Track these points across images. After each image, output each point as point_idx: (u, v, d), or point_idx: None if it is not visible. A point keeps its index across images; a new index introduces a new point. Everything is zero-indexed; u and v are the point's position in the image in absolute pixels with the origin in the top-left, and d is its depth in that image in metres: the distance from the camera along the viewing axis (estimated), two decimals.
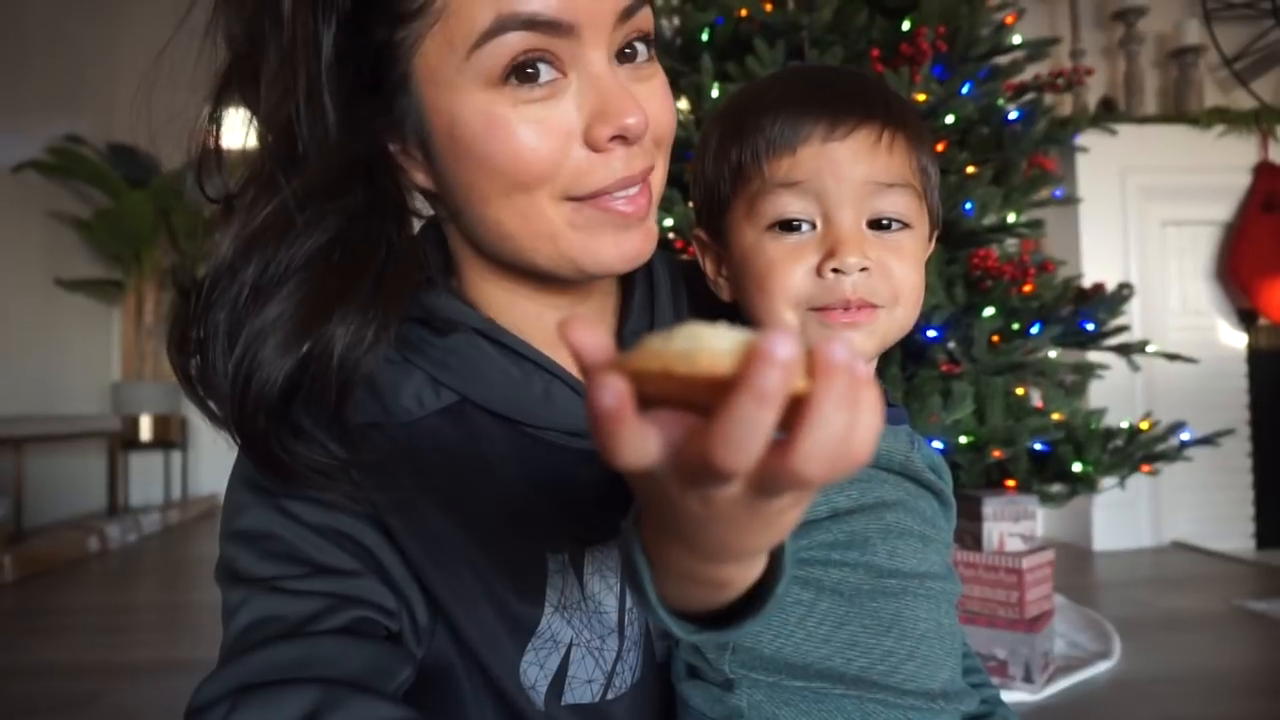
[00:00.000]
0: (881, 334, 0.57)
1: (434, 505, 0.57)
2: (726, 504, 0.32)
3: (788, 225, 0.56)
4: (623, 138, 0.53)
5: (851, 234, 0.55)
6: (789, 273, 0.56)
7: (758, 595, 0.42)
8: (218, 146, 0.57)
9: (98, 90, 4.28)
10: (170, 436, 4.32)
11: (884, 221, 0.57)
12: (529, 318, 0.61)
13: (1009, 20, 2.18)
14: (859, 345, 0.56)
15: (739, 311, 0.64)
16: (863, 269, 0.55)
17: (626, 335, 0.64)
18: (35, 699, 1.93)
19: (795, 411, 0.28)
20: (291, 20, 0.51)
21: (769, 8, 2.10)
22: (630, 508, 0.60)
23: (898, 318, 0.57)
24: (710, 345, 0.28)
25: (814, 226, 0.56)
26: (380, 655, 0.53)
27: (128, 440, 4.18)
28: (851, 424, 0.28)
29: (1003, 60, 2.20)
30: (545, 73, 0.51)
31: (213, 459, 4.45)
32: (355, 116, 0.53)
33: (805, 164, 0.56)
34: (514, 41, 0.50)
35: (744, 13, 2.11)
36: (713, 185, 0.60)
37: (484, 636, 0.57)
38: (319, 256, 0.53)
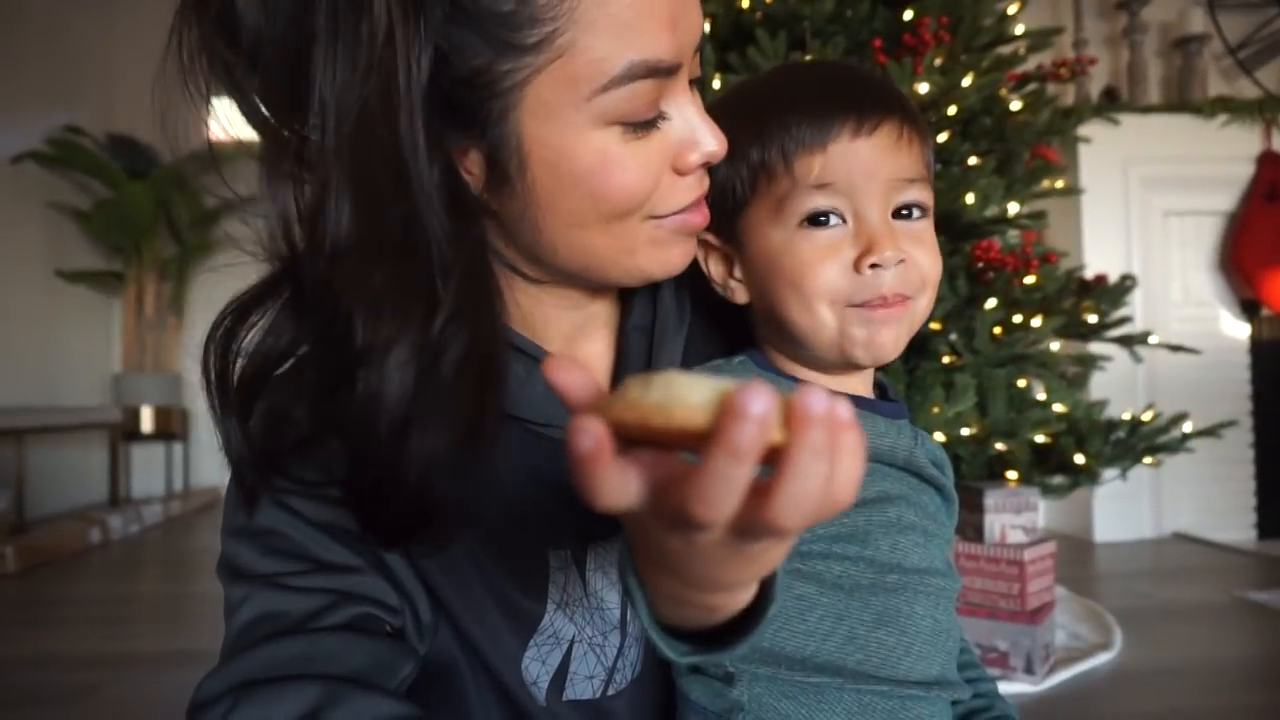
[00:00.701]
0: (911, 323, 0.59)
1: None
2: (708, 545, 0.33)
3: (817, 220, 0.57)
4: (707, 163, 0.56)
5: (884, 229, 0.56)
6: (825, 270, 0.56)
7: (751, 615, 0.42)
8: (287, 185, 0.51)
9: (96, 81, 4.27)
10: (172, 428, 4.33)
11: (904, 210, 0.58)
12: (549, 321, 0.62)
13: (1012, 9, 2.17)
14: (900, 337, 0.58)
15: (743, 312, 0.63)
16: (899, 262, 0.56)
17: (630, 330, 0.64)
18: (37, 690, 1.93)
19: (776, 455, 0.28)
20: (387, 42, 0.45)
21: None
22: None
23: (923, 305, 0.59)
24: (685, 398, 0.28)
25: (843, 220, 0.57)
26: (382, 652, 0.53)
27: (129, 431, 4.18)
28: (830, 474, 0.29)
29: (1006, 50, 2.19)
30: (651, 107, 0.53)
31: (214, 451, 4.40)
32: (445, 153, 0.50)
33: (835, 162, 0.56)
34: (644, 90, 0.50)
35: (745, 3, 2.10)
36: (724, 187, 0.60)
37: (486, 633, 0.57)
38: (476, 344, 0.50)
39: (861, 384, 0.62)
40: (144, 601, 2.79)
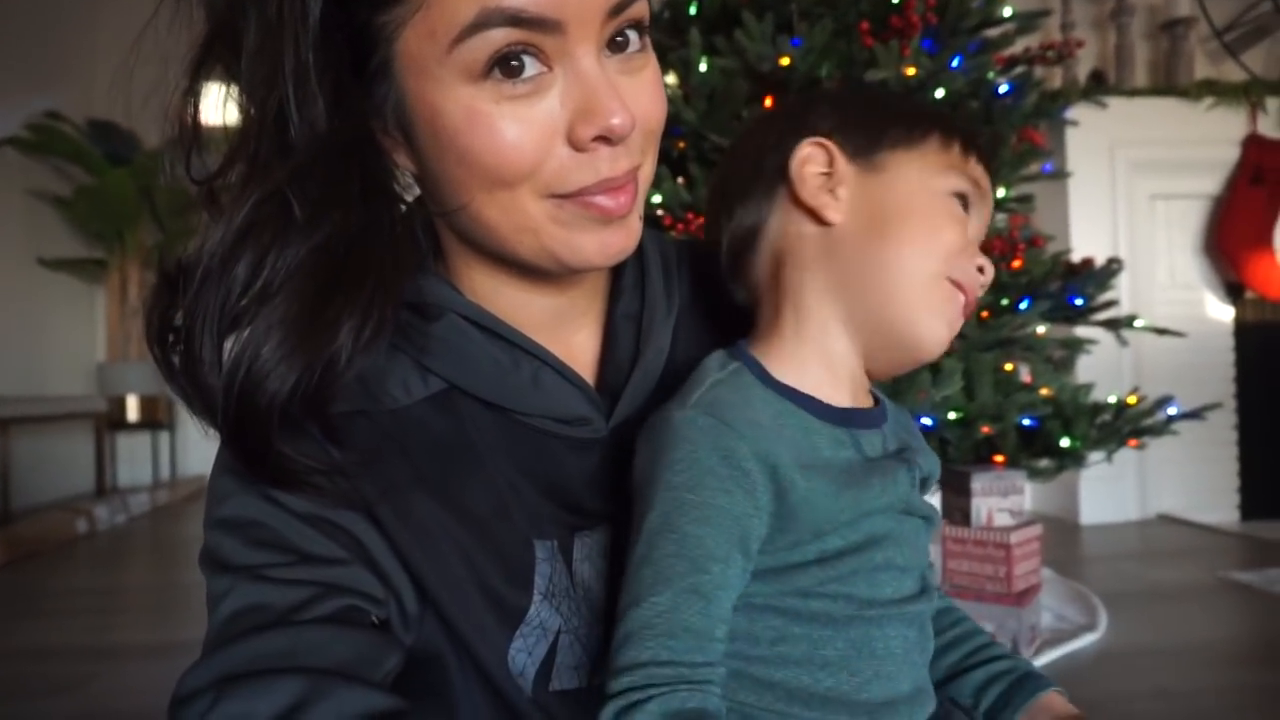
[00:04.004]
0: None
1: (422, 493, 0.56)
2: None
3: (959, 199, 0.58)
4: (606, 138, 0.51)
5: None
6: (958, 235, 0.57)
7: None
8: (196, 123, 0.54)
9: (77, 66, 4.22)
10: (158, 417, 4.30)
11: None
12: (516, 305, 0.60)
13: None
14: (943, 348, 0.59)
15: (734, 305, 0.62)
16: (983, 286, 0.59)
17: (618, 318, 0.63)
18: (26, 681, 1.93)
19: None
20: None
21: None
22: (617, 492, 0.60)
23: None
24: None
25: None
26: (367, 644, 0.53)
27: (115, 421, 4.16)
28: None
29: (993, 33, 2.18)
30: (530, 67, 0.50)
31: (201, 439, 4.37)
32: (342, 97, 0.52)
33: (987, 181, 0.60)
34: (497, 37, 0.48)
35: None
36: (881, 129, 0.58)
37: (472, 624, 0.56)
38: (320, 253, 0.51)
39: (865, 391, 0.60)
40: (132, 592, 2.78)
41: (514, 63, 0.49)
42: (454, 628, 0.56)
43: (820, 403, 0.56)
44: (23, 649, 2.16)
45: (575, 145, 0.51)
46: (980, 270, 0.58)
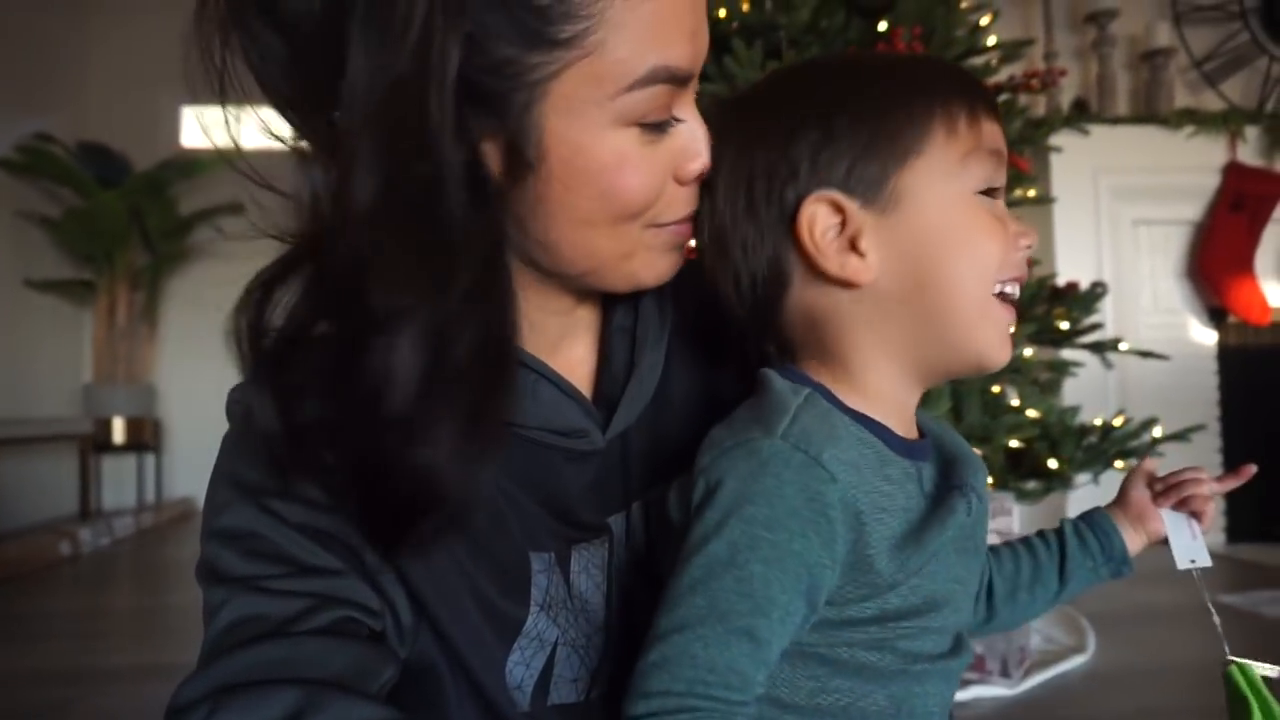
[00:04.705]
0: None
1: None
2: None
3: (989, 194, 0.54)
4: (701, 175, 0.57)
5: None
6: (998, 240, 0.53)
7: None
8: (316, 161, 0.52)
9: (67, 88, 4.22)
10: (144, 439, 4.27)
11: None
12: (533, 326, 0.60)
13: (984, 22, 2.20)
14: (1010, 352, 0.56)
15: (724, 324, 0.61)
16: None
17: (613, 331, 0.64)
18: (9, 706, 1.90)
19: None
20: (424, 24, 0.46)
21: (746, 7, 2.11)
22: (611, 504, 0.60)
23: None
24: None
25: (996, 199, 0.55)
26: (363, 655, 0.53)
27: (100, 443, 4.12)
28: None
29: (978, 61, 2.22)
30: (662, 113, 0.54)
31: (187, 462, 4.41)
32: (473, 143, 0.51)
33: (1000, 134, 0.55)
34: (661, 93, 0.52)
35: (722, 13, 2.12)
36: (875, 145, 0.52)
37: (468, 636, 0.57)
38: (491, 326, 0.52)
39: (914, 421, 0.58)
40: (116, 615, 2.75)
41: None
42: (449, 640, 0.57)
43: (892, 433, 0.54)
44: (6, 673, 2.13)
45: (681, 182, 0.56)
46: (1027, 244, 0.55)
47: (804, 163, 0.53)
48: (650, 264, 0.58)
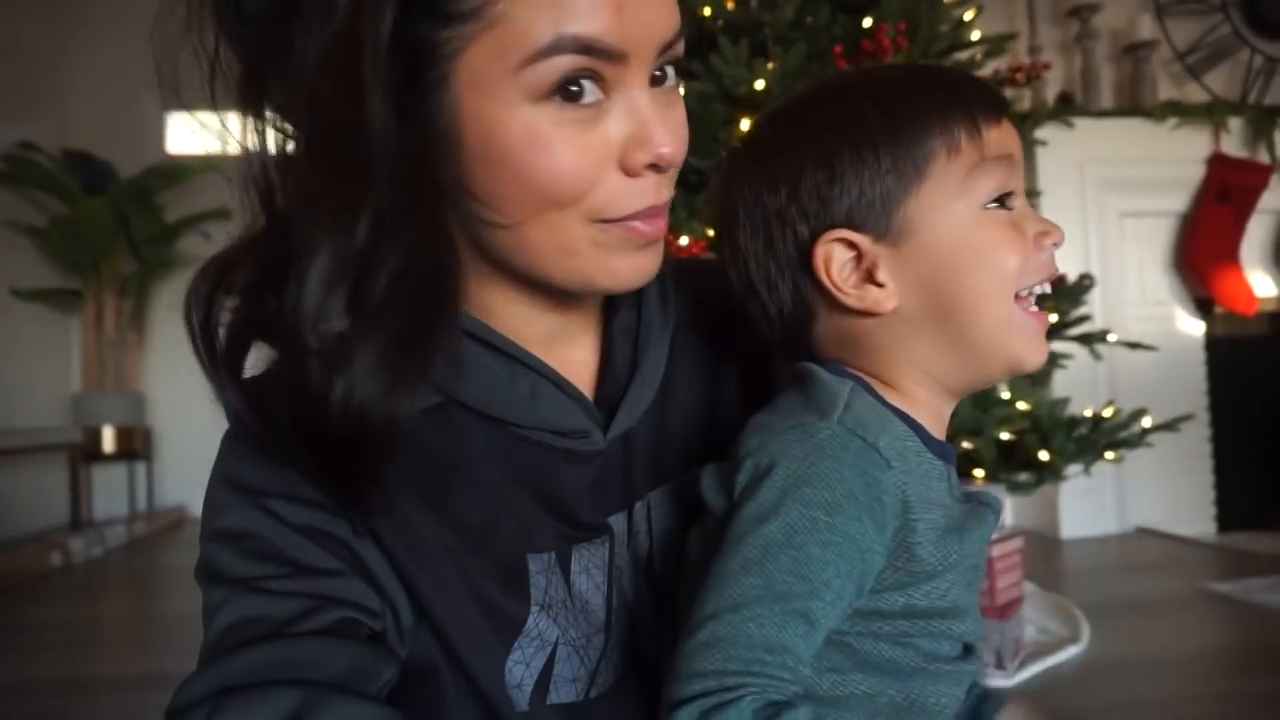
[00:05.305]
0: None
1: (417, 505, 0.56)
2: None
3: (1000, 203, 0.53)
4: (656, 166, 0.53)
5: (1035, 212, 0.54)
6: (1018, 248, 0.53)
7: None
8: (264, 147, 0.53)
9: (50, 97, 4.20)
10: (134, 447, 4.24)
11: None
12: (520, 322, 0.60)
13: (968, 16, 2.21)
14: (1045, 355, 0.55)
15: (728, 321, 0.61)
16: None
17: (616, 332, 0.63)
18: (3, 718, 1.89)
19: None
20: (351, 5, 0.48)
21: (731, 5, 2.11)
22: (611, 504, 0.60)
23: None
24: None
25: (1013, 207, 0.54)
26: (363, 656, 0.53)
27: (90, 452, 4.09)
28: None
29: (962, 56, 2.23)
30: (590, 93, 0.51)
31: (178, 470, 4.38)
32: (408, 112, 0.51)
33: (1008, 135, 0.54)
34: (566, 63, 0.49)
35: (708, 11, 2.12)
36: (878, 180, 0.53)
37: (468, 636, 0.56)
38: (410, 273, 0.51)
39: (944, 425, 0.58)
40: (108, 625, 2.73)
41: (574, 87, 0.51)
42: (448, 640, 0.56)
43: (928, 433, 0.55)
44: None
45: (628, 171, 0.53)
46: (1052, 243, 0.54)
47: (812, 204, 0.54)
48: (603, 264, 0.55)
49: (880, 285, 0.53)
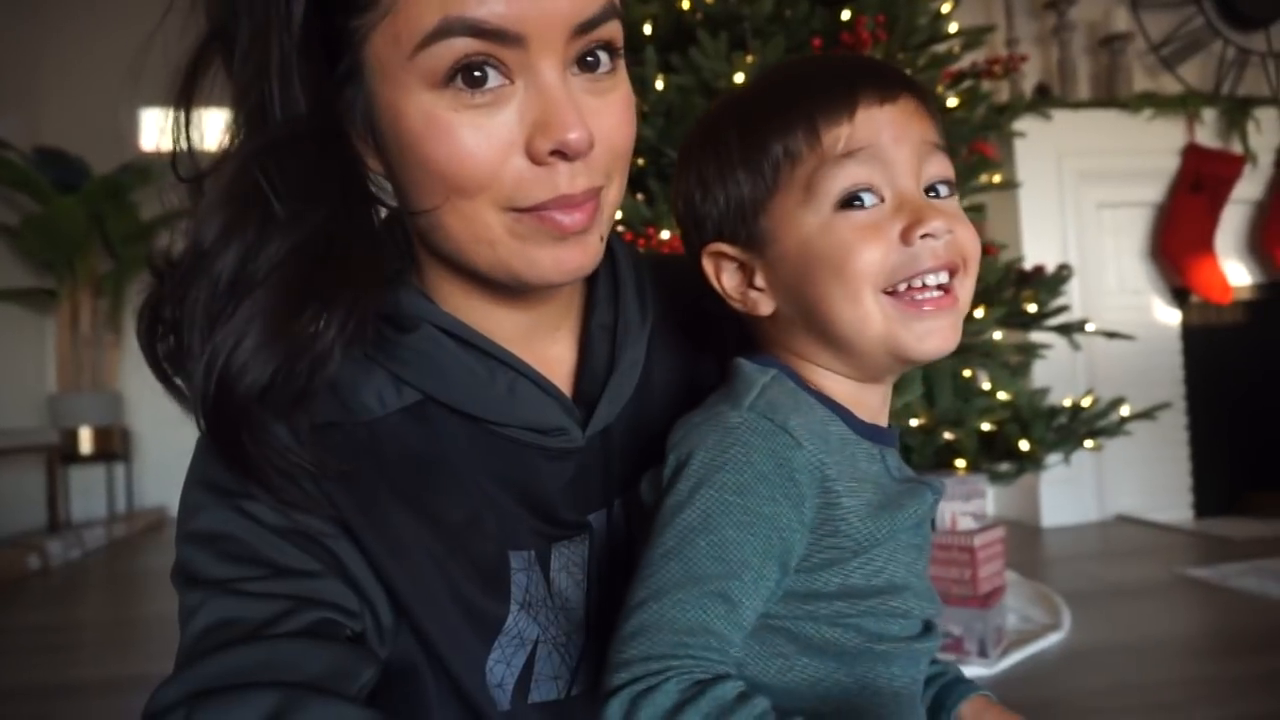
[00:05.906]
0: (960, 314, 0.55)
1: (396, 504, 0.56)
2: None
3: (852, 203, 0.52)
4: (562, 153, 0.51)
5: (925, 202, 0.53)
6: (870, 248, 0.51)
7: None
8: (188, 124, 0.55)
9: (21, 94, 4.13)
10: (112, 448, 4.19)
11: (933, 190, 0.54)
12: (488, 319, 0.60)
13: (945, 9, 2.22)
14: (952, 338, 0.54)
15: (710, 317, 0.62)
16: (948, 233, 0.52)
17: (593, 329, 0.63)
18: None
19: None
20: None
21: None
22: (591, 501, 0.60)
23: (968, 290, 0.55)
24: None
25: (881, 200, 0.53)
26: (342, 657, 0.52)
27: (67, 454, 4.04)
28: None
29: (940, 48, 2.24)
30: (492, 79, 0.50)
31: (158, 470, 4.34)
32: (321, 98, 0.53)
33: (863, 128, 0.52)
34: (459, 46, 0.49)
35: (686, 4, 2.12)
36: (737, 192, 0.55)
37: (448, 635, 0.56)
38: (302, 248, 0.52)
39: (884, 403, 0.59)
40: (87, 628, 2.70)
41: (476, 73, 0.50)
42: (429, 640, 0.56)
43: (854, 415, 0.55)
44: None
45: (533, 158, 0.52)
46: (928, 236, 0.52)
47: (697, 219, 0.58)
48: (523, 255, 0.54)
49: (760, 290, 0.56)
